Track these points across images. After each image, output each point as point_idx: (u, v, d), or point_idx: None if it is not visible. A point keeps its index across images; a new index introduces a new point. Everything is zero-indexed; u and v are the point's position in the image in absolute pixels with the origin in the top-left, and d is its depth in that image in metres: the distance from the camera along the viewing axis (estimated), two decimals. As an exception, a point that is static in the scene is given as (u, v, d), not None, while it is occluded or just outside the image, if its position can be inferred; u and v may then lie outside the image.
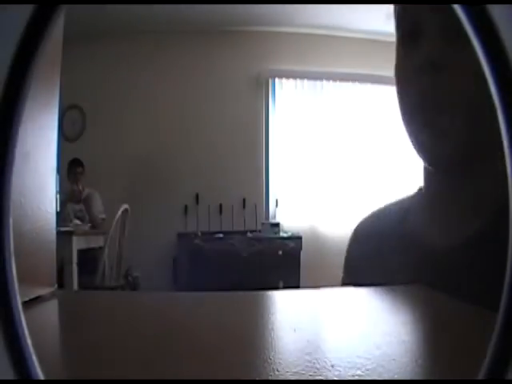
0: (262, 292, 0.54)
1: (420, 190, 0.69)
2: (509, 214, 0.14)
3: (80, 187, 4.10)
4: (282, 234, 4.69)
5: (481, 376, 0.13)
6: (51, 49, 0.43)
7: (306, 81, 5.01)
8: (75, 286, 3.18)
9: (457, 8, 0.13)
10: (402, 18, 0.60)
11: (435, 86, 0.55)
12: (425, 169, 0.64)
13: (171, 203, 4.88)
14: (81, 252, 3.40)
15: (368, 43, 4.71)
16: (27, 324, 0.14)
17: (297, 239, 4.62)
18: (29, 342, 0.14)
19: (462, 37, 0.51)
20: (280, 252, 4.49)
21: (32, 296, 0.42)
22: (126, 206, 3.70)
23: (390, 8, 0.63)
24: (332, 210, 4.90)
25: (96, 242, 3.82)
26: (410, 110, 0.58)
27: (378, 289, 0.54)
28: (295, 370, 0.25)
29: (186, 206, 4.97)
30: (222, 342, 0.32)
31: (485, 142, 0.57)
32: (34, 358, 0.14)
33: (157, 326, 0.38)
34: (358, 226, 0.76)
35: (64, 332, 0.39)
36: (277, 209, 5.00)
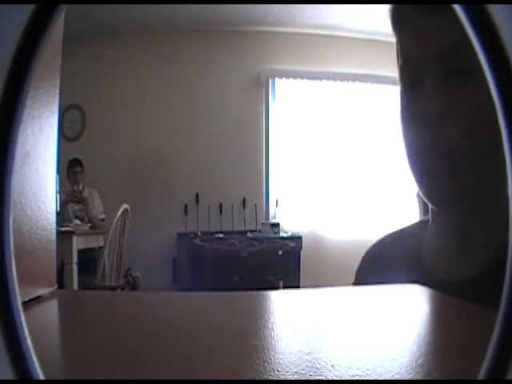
0: (262, 292, 0.54)
1: (427, 221, 0.69)
2: None
3: (80, 187, 4.11)
4: (281, 234, 4.69)
5: (481, 376, 0.13)
6: (51, 49, 0.43)
7: (306, 81, 5.01)
8: (75, 286, 3.18)
9: (457, 8, 0.13)
10: (404, 67, 0.61)
11: (440, 136, 0.56)
12: (431, 208, 0.66)
13: (171, 203, 4.89)
14: (81, 252, 3.40)
15: (368, 43, 4.71)
16: (27, 324, 0.14)
17: (297, 239, 4.62)
18: (29, 342, 0.14)
19: (465, 81, 0.52)
20: (280, 252, 4.49)
21: (32, 296, 0.42)
22: (126, 205, 3.70)
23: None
24: (332, 209, 4.90)
25: (96, 242, 3.82)
26: (415, 158, 0.60)
27: (378, 288, 0.55)
28: (295, 370, 0.25)
29: (186, 206, 4.97)
30: (221, 342, 0.32)
31: (495, 178, 0.58)
32: (34, 358, 0.14)
33: (157, 325, 0.38)
34: (370, 250, 0.76)
35: (64, 332, 0.39)
36: (277, 209, 5.00)
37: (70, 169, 4.13)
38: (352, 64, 4.88)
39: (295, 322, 0.39)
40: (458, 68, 0.55)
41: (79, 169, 4.16)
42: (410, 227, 0.74)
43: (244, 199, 5.00)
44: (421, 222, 0.72)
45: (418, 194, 0.69)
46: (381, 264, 0.71)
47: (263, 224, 4.80)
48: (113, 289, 3.54)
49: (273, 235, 4.64)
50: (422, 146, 0.58)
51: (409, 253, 0.68)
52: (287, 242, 4.58)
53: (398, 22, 0.63)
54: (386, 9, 0.64)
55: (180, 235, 4.81)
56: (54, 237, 0.47)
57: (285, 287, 4.17)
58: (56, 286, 0.47)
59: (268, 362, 0.26)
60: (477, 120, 0.55)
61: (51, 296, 0.46)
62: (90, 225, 3.94)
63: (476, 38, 0.13)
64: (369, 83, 4.91)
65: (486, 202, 0.59)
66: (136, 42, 4.90)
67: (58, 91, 0.48)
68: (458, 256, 0.62)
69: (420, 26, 0.59)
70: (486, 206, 0.60)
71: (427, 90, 0.57)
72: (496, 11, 0.12)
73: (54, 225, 0.47)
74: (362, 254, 0.78)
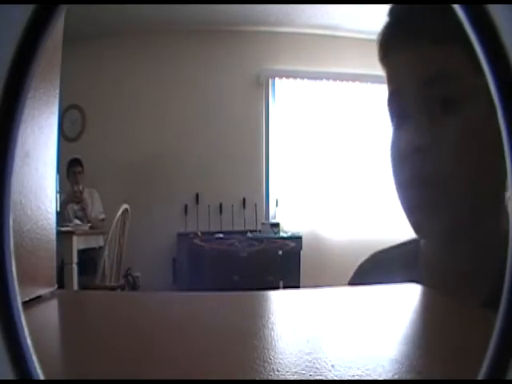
0: (262, 292, 0.54)
1: (417, 241, 0.68)
2: None
3: (80, 187, 4.11)
4: (281, 234, 4.69)
5: (481, 376, 0.13)
6: (51, 49, 0.43)
7: (306, 81, 5.01)
8: (75, 286, 3.18)
9: (457, 8, 0.13)
10: (391, 100, 0.61)
11: (427, 168, 0.56)
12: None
13: (171, 203, 4.89)
14: (81, 252, 3.40)
15: (368, 43, 4.70)
16: (27, 324, 0.14)
17: (297, 239, 4.62)
18: (29, 342, 0.14)
19: (450, 110, 0.53)
20: (280, 252, 4.49)
21: (32, 296, 0.41)
22: (126, 205, 3.70)
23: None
24: (332, 209, 4.90)
25: (96, 242, 3.82)
26: (404, 192, 0.60)
27: (378, 288, 0.55)
28: (295, 370, 0.25)
29: (186, 206, 4.97)
30: (221, 342, 0.32)
31: (479, 212, 0.58)
32: (34, 358, 0.14)
33: (156, 325, 0.38)
34: (361, 265, 0.75)
35: (64, 332, 0.39)
36: (277, 209, 5.00)
37: (70, 169, 4.13)
38: (352, 64, 4.87)
39: (295, 321, 0.39)
40: (441, 97, 0.55)
41: (79, 169, 4.17)
42: (403, 245, 0.72)
43: (244, 199, 5.00)
44: (412, 241, 0.69)
45: None
46: (373, 279, 0.70)
47: (263, 224, 4.80)
48: (113, 289, 3.54)
49: (273, 235, 4.64)
50: (410, 179, 0.58)
51: (405, 273, 0.66)
52: (287, 242, 4.57)
53: (384, 55, 0.64)
54: (383, 12, 0.65)
55: (180, 235, 4.81)
56: (53, 237, 0.47)
57: (285, 287, 4.17)
58: (56, 285, 0.47)
59: (268, 362, 0.26)
60: (463, 149, 0.55)
61: (51, 296, 0.45)
62: (89, 225, 3.94)
63: (476, 37, 0.13)
64: (369, 83, 4.91)
65: (477, 233, 0.58)
66: (137, 42, 4.90)
67: (58, 91, 0.48)
68: (453, 288, 0.60)
69: (403, 58, 0.59)
70: (478, 236, 0.58)
71: (412, 122, 0.57)
72: (496, 11, 0.12)
73: (54, 225, 0.47)
74: (362, 254, 0.77)
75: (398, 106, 0.60)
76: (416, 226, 0.60)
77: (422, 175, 0.56)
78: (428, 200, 0.57)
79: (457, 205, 0.56)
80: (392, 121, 0.62)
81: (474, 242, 0.59)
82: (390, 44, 0.62)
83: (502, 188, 0.59)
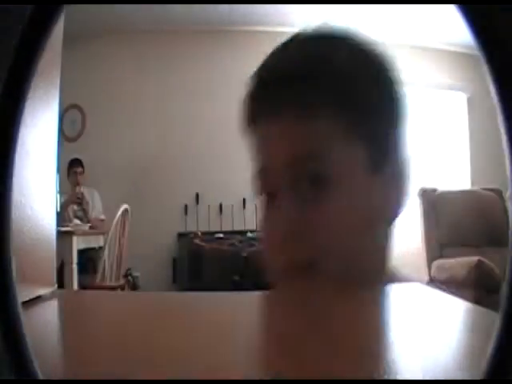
0: (261, 292, 0.54)
1: None
2: None
3: (81, 189, 4.11)
4: (282, 234, 4.69)
5: (481, 376, 0.13)
6: (51, 49, 0.43)
7: (306, 81, 5.01)
8: (75, 286, 3.18)
9: (456, 8, 0.13)
10: (258, 177, 0.55)
11: (295, 253, 0.52)
12: None
13: (171, 203, 4.89)
14: (81, 252, 3.40)
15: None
16: (27, 324, 0.14)
17: (297, 239, 4.62)
18: (29, 341, 0.14)
19: (320, 188, 0.49)
20: (280, 252, 4.48)
21: (32, 296, 0.41)
22: (126, 205, 3.70)
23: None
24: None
25: (96, 242, 3.82)
26: (274, 275, 0.56)
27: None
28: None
29: (186, 206, 4.97)
30: (221, 342, 0.32)
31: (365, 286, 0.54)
32: (34, 357, 0.14)
33: (156, 326, 0.38)
34: None
35: (64, 332, 0.39)
36: (277, 209, 5.00)
37: (71, 169, 4.13)
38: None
39: (295, 321, 0.39)
40: (312, 175, 0.51)
41: (80, 169, 4.17)
42: None
43: (244, 199, 5.00)
44: None
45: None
46: None
47: (263, 224, 4.80)
48: (113, 289, 3.54)
49: (273, 235, 4.63)
50: (281, 266, 0.53)
51: None
52: (287, 241, 4.56)
53: (249, 124, 0.56)
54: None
55: (180, 235, 4.82)
56: (53, 237, 0.47)
57: (285, 287, 4.16)
58: (56, 285, 0.47)
59: (268, 362, 0.26)
60: (337, 229, 0.51)
61: (51, 296, 0.45)
62: (89, 225, 3.94)
63: (476, 38, 0.13)
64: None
65: None
66: (137, 41, 4.90)
67: (58, 91, 0.48)
68: None
69: (270, 132, 0.53)
70: None
71: (281, 203, 0.52)
72: (496, 11, 0.12)
73: (54, 225, 0.47)
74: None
75: (266, 183, 0.54)
76: None
77: (295, 261, 0.52)
78: (301, 285, 0.53)
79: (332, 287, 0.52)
80: (261, 199, 0.56)
81: None
82: (255, 114, 0.55)
83: (382, 264, 0.56)
